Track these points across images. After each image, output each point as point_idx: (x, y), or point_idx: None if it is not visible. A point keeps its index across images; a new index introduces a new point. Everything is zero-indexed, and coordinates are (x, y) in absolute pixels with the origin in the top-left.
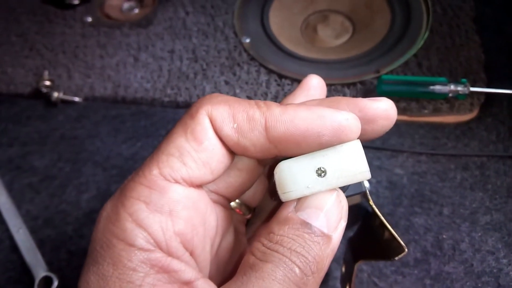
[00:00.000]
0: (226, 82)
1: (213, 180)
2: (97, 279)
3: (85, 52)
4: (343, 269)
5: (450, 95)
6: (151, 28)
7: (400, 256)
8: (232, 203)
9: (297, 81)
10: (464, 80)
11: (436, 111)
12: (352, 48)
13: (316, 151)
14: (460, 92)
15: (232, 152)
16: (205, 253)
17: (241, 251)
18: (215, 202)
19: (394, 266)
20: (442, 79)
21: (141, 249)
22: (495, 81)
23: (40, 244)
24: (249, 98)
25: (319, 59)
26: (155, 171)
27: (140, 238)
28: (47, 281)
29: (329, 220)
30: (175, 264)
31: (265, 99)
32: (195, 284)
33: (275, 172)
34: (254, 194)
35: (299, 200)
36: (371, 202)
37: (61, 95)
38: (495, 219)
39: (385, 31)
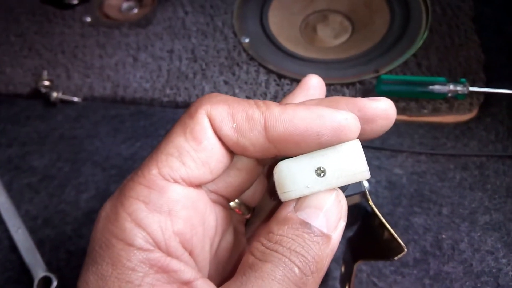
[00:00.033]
0: (225, 82)
1: (213, 180)
2: (96, 279)
3: (84, 52)
4: (343, 269)
5: (450, 95)
6: (150, 28)
7: (399, 256)
8: (232, 203)
9: (296, 81)
10: (463, 80)
11: (436, 111)
12: (351, 48)
13: (316, 150)
14: (460, 92)
15: (232, 151)
16: (205, 253)
17: (241, 251)
18: (214, 202)
19: (393, 266)
20: (441, 79)
21: (140, 249)
22: (495, 81)
23: (39, 244)
24: (248, 98)
25: (318, 59)
26: (154, 171)
27: (139, 238)
28: (46, 281)
29: (329, 220)
30: (174, 264)
31: (264, 99)
32: (194, 284)
33: (274, 172)
34: (253, 194)
35: (298, 200)
36: (371, 202)
37: (60, 95)
38: (494, 219)
39: (384, 30)
